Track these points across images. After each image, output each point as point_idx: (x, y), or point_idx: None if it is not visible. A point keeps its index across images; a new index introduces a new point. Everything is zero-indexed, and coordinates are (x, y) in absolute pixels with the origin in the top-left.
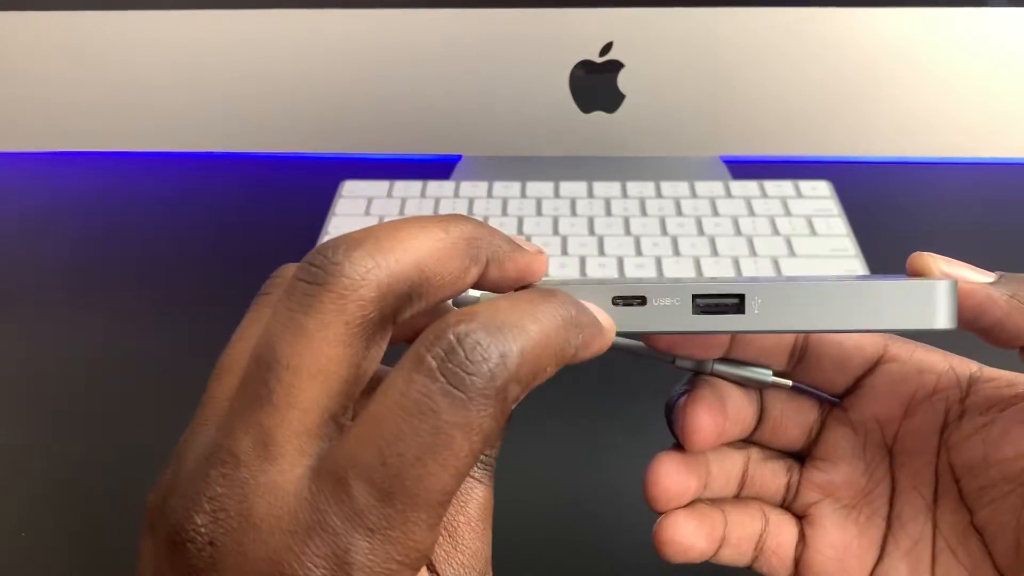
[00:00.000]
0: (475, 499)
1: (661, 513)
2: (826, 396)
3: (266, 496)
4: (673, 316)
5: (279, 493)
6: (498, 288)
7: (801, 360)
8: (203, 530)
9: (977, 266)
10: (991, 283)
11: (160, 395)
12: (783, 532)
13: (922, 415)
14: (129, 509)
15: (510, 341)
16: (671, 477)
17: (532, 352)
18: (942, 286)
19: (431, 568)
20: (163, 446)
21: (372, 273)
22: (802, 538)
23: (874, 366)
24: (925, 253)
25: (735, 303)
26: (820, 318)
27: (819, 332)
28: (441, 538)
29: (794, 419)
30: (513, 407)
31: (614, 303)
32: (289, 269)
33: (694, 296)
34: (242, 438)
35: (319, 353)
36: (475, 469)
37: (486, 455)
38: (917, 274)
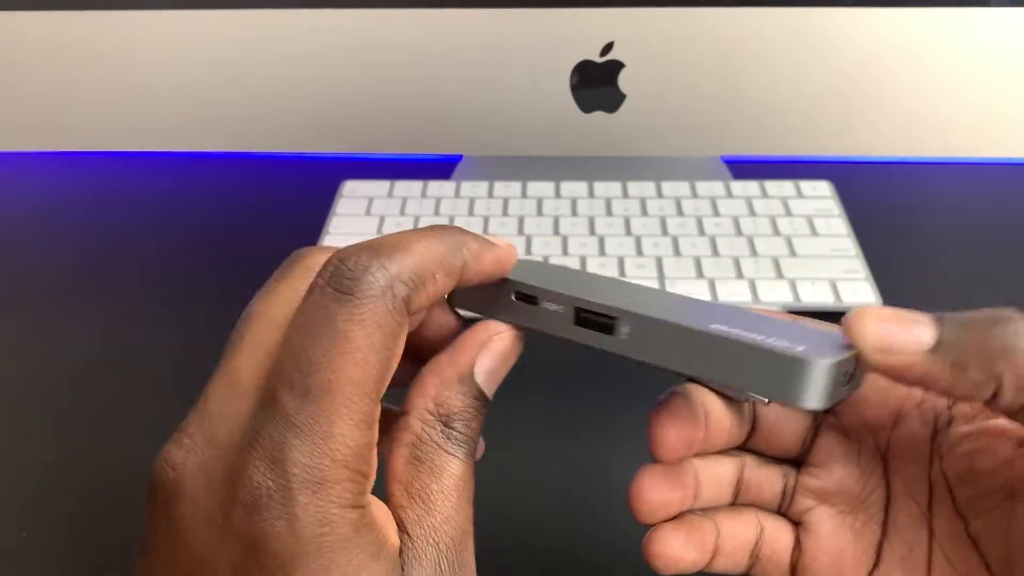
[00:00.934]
0: (449, 471)
1: (650, 525)
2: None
3: (228, 425)
4: (557, 321)
5: (239, 421)
6: (476, 280)
7: None
8: (172, 459)
9: (977, 265)
10: (931, 349)
11: (160, 395)
12: (779, 539)
13: (912, 422)
14: (129, 508)
15: (388, 252)
16: (654, 490)
17: (411, 260)
18: (817, 368)
19: (402, 528)
20: (163, 445)
21: (395, 276)
22: (798, 544)
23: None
24: (863, 313)
25: (608, 324)
26: (686, 362)
27: (682, 374)
28: (412, 501)
29: (788, 426)
30: (412, 308)
31: (515, 298)
32: (310, 256)
33: (576, 308)
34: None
35: (356, 353)
36: (449, 443)
37: (460, 431)
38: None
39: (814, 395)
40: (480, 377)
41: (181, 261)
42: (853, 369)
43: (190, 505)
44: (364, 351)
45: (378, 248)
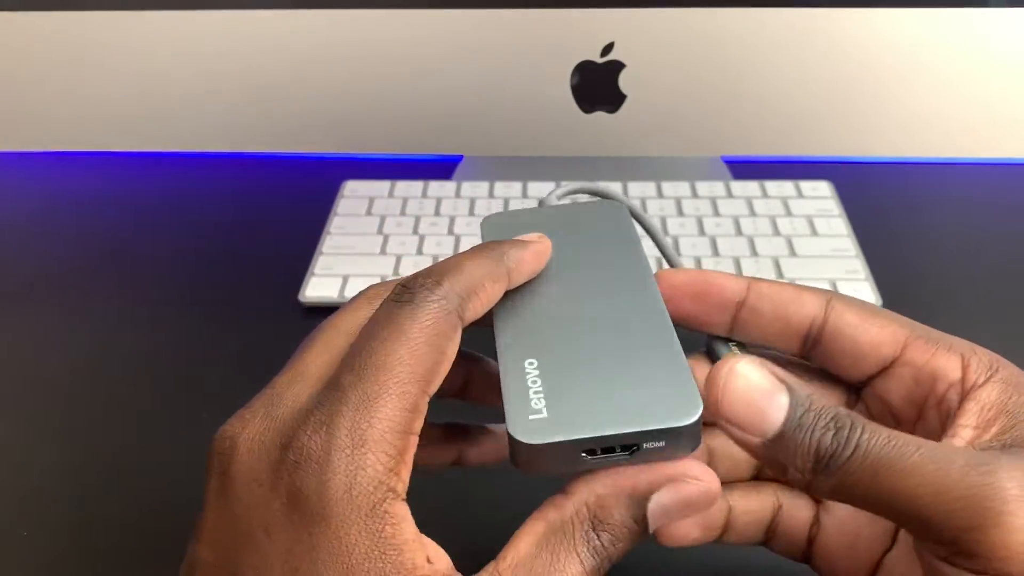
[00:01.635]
0: (564, 571)
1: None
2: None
3: (289, 403)
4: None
5: (301, 400)
6: (527, 278)
7: (815, 347)
8: (231, 431)
9: (978, 265)
10: (770, 440)
11: (161, 394)
12: (797, 515)
13: (933, 419)
14: (130, 507)
15: (441, 271)
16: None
17: (461, 276)
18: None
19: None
20: (163, 444)
21: (448, 288)
22: (816, 520)
23: (889, 366)
24: (724, 386)
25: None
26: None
27: None
28: (507, 565)
29: None
30: (466, 316)
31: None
32: (374, 288)
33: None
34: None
35: (411, 342)
36: (585, 547)
37: (602, 544)
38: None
39: (518, 462)
40: (652, 507)
41: (181, 261)
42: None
43: (241, 468)
44: (418, 342)
45: (433, 269)
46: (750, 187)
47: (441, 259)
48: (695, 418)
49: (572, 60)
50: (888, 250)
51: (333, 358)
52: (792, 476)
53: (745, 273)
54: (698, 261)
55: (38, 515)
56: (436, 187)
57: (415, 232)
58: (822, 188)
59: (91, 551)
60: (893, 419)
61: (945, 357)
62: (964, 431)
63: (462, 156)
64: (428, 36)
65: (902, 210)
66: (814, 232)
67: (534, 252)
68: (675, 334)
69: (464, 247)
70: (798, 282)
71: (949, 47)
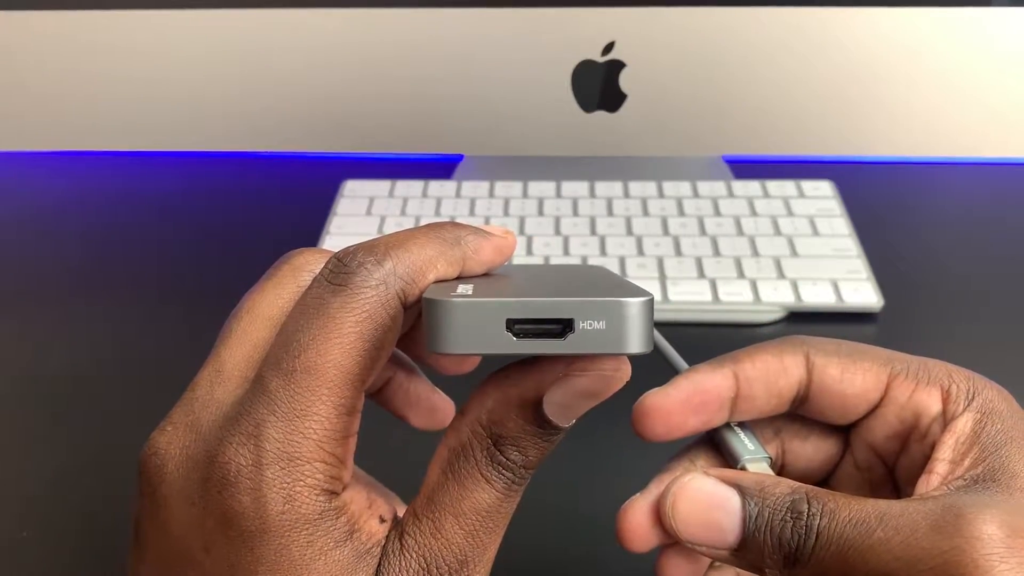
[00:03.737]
0: (476, 496)
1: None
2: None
3: (212, 410)
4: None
5: (223, 406)
6: (480, 271)
7: (802, 405)
8: (156, 445)
9: (978, 265)
10: (735, 550)
11: (161, 394)
12: None
13: (916, 451)
14: (130, 508)
15: (383, 249)
16: (645, 531)
17: (406, 256)
18: (632, 306)
19: (400, 531)
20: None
21: (389, 271)
22: None
23: (874, 408)
24: (673, 506)
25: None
26: None
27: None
28: (424, 512)
29: (811, 457)
30: (408, 302)
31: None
32: (299, 256)
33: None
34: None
35: (344, 339)
36: (490, 466)
37: (509, 458)
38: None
39: (438, 339)
40: (547, 407)
41: (181, 261)
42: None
43: (171, 488)
44: (352, 337)
45: (374, 245)
46: (751, 187)
47: None
48: (643, 298)
49: (572, 60)
50: (889, 250)
51: (253, 351)
52: (770, 575)
53: (746, 273)
54: (699, 260)
55: (39, 515)
56: (436, 187)
57: None
58: (823, 188)
59: (92, 551)
60: (876, 455)
61: (925, 392)
62: (940, 465)
63: (462, 156)
64: (428, 36)
65: (903, 210)
66: (815, 232)
67: (495, 244)
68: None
69: None
70: (799, 283)
71: (950, 47)
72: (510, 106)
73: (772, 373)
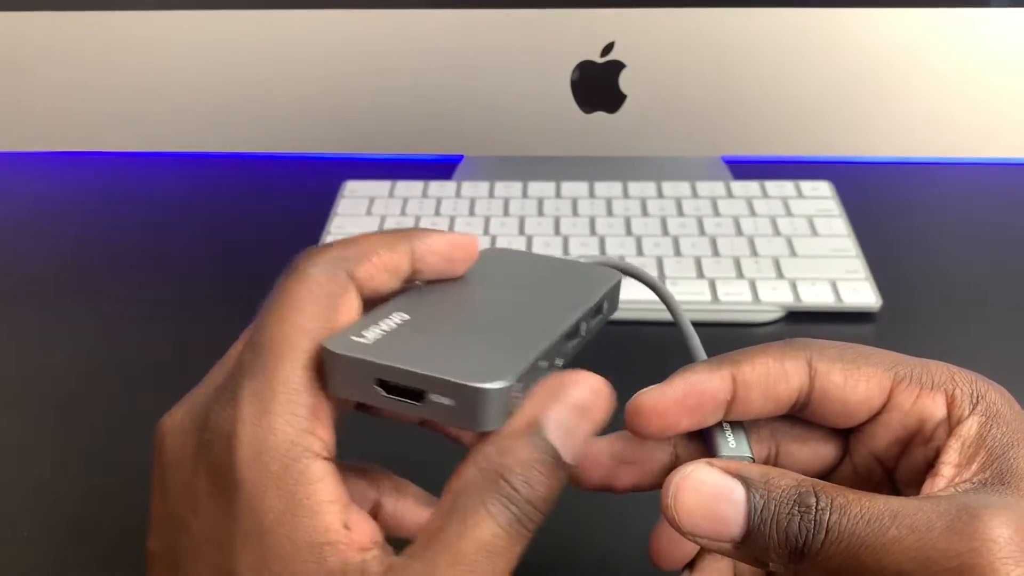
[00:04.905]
0: (477, 532)
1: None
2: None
3: (207, 390)
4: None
5: (216, 386)
6: (435, 261)
7: (803, 409)
8: (161, 426)
9: (978, 265)
10: (739, 543)
11: (160, 394)
12: None
13: (918, 455)
14: (130, 507)
15: (334, 243)
16: (672, 544)
17: (353, 244)
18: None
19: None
20: None
21: (334, 255)
22: None
23: (878, 414)
24: (676, 499)
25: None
26: None
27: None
28: (415, 556)
29: (803, 459)
30: (357, 275)
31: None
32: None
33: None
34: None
35: (298, 303)
36: (494, 499)
37: (515, 491)
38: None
39: (324, 372)
40: (551, 433)
41: (182, 261)
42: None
43: (168, 457)
44: (304, 303)
45: (330, 243)
46: (750, 187)
47: None
48: (487, 385)
49: (572, 60)
50: (888, 250)
51: None
52: (775, 570)
53: (745, 273)
54: (698, 260)
55: (38, 515)
56: (436, 187)
57: None
58: (822, 188)
59: (93, 551)
60: (875, 459)
61: (930, 397)
62: (945, 468)
63: (462, 156)
64: (428, 36)
65: (902, 210)
66: (814, 232)
67: (450, 241)
68: (547, 344)
69: None
70: (798, 283)
71: (949, 47)
72: (510, 106)
73: (772, 378)
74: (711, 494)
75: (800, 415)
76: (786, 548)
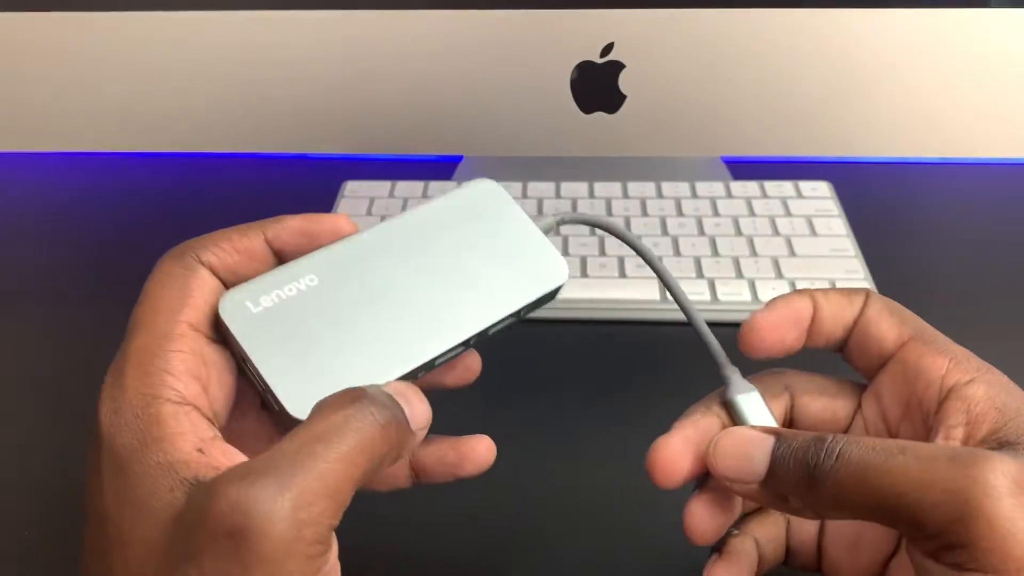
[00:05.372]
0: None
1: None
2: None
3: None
4: None
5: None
6: (288, 235)
7: (847, 342)
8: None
9: (977, 266)
10: (762, 482)
11: None
12: (804, 527)
13: (916, 417)
14: None
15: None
16: (705, 519)
17: (206, 235)
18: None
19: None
20: None
21: (187, 245)
22: (822, 529)
23: (886, 362)
24: (715, 447)
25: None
26: None
27: None
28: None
29: (815, 414)
30: (204, 260)
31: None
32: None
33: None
34: None
35: (149, 294)
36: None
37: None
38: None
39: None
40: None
41: None
42: None
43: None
44: (153, 285)
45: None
46: (750, 187)
47: None
48: (298, 416)
49: (572, 60)
50: (887, 250)
51: None
52: (794, 505)
53: (745, 273)
54: (697, 260)
55: (38, 515)
56: (436, 187)
57: None
58: (821, 188)
59: None
60: (883, 419)
61: (932, 358)
62: (956, 431)
63: (462, 156)
64: (428, 36)
65: (901, 210)
66: (813, 232)
67: (307, 218)
68: (423, 361)
69: None
70: (796, 283)
71: (949, 47)
72: (510, 107)
73: (841, 306)
74: (745, 440)
75: (844, 351)
76: (802, 475)
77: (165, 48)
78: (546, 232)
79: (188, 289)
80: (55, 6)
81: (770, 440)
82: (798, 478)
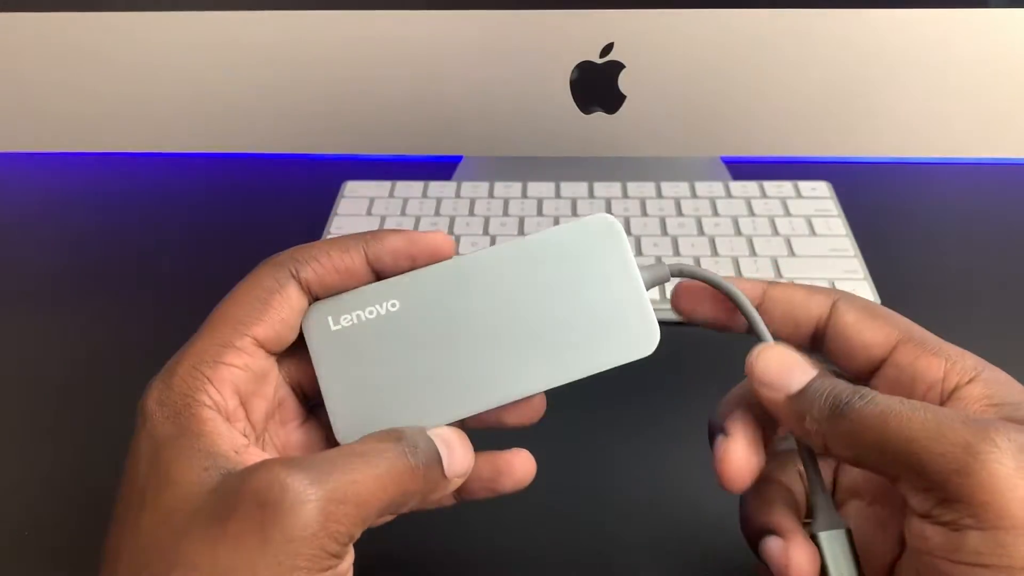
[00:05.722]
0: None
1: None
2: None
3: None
4: None
5: None
6: (387, 256)
7: (821, 345)
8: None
9: (977, 266)
10: (792, 395)
11: None
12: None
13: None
14: None
15: (295, 247)
16: (740, 459)
17: (306, 246)
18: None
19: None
20: None
21: (286, 256)
22: None
23: (879, 367)
24: (760, 352)
25: None
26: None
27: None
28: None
29: None
30: (302, 275)
31: None
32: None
33: None
34: None
35: (234, 297)
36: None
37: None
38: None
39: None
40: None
41: (181, 261)
42: None
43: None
44: (239, 294)
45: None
46: (749, 187)
47: None
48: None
49: (572, 60)
50: (886, 250)
51: None
52: (808, 426)
53: (744, 273)
54: (697, 261)
55: (38, 515)
56: (436, 187)
57: None
58: (821, 188)
59: (94, 551)
60: None
61: (928, 360)
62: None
63: (462, 156)
64: (428, 36)
65: (900, 210)
66: (813, 232)
67: (409, 239)
68: (481, 409)
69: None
70: (797, 282)
71: (949, 47)
72: (509, 107)
73: (796, 301)
74: (794, 360)
75: (820, 352)
76: (830, 403)
77: (165, 48)
78: (653, 284)
79: (268, 304)
80: (55, 6)
81: (812, 371)
82: (826, 406)
